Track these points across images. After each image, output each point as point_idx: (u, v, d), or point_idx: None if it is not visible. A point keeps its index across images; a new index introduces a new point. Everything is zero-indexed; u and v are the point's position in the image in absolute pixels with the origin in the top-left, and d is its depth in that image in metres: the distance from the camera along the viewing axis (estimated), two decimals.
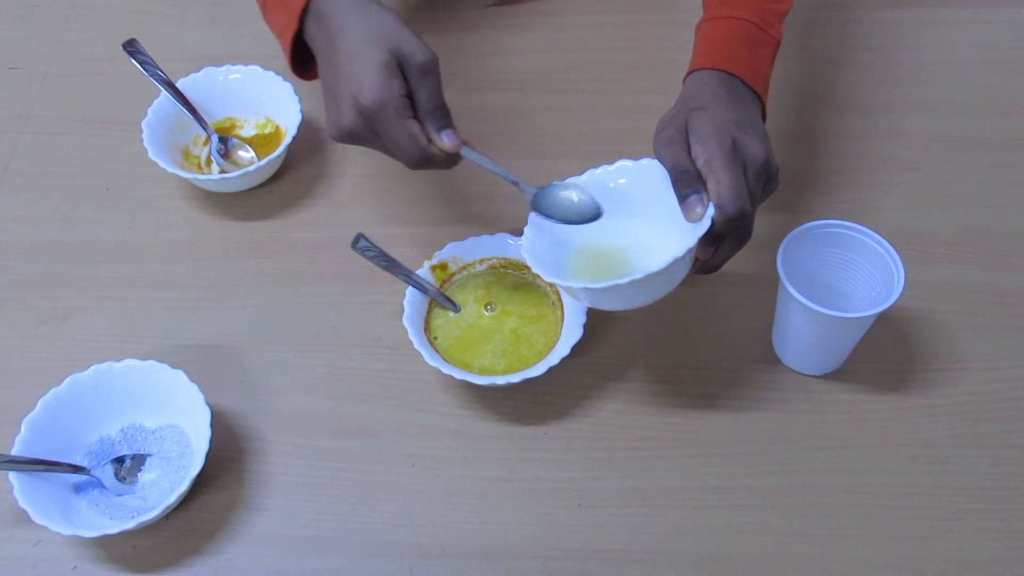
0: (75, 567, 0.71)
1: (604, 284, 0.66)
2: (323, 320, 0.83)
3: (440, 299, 0.80)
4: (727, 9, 0.80)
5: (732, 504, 0.72)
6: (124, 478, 0.74)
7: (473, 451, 0.75)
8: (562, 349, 0.75)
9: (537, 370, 0.74)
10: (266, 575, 0.70)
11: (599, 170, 0.75)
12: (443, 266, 0.82)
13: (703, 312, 0.82)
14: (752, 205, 0.69)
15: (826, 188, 0.90)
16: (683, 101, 0.75)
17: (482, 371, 0.76)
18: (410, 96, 0.70)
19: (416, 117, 0.70)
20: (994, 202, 0.89)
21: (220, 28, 1.08)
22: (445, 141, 0.71)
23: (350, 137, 0.71)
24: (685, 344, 0.80)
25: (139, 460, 0.75)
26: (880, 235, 0.73)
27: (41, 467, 0.70)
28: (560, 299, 0.80)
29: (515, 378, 0.73)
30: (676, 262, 0.66)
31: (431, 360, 0.75)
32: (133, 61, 0.91)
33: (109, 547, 0.71)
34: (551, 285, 0.81)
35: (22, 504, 0.68)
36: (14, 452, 0.71)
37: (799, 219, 0.75)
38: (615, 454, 0.75)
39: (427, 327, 0.79)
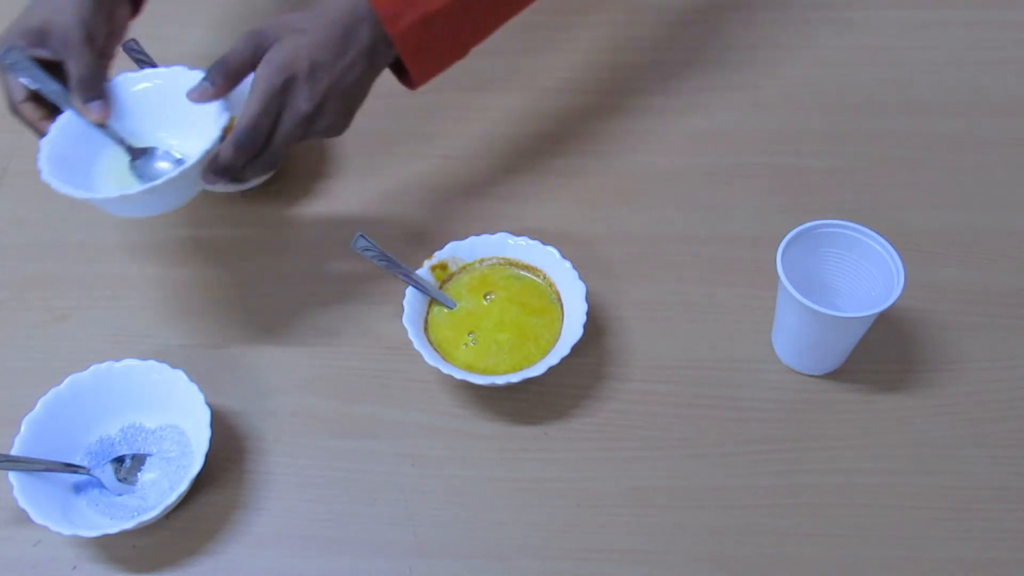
0: (75, 567, 0.71)
1: (114, 195, 0.69)
2: (323, 320, 0.83)
3: (440, 299, 0.80)
4: None
5: (732, 504, 0.72)
6: (124, 478, 0.74)
7: (473, 451, 0.75)
8: (562, 349, 0.75)
9: (537, 370, 0.74)
10: (266, 575, 0.70)
11: (122, 76, 0.79)
12: (443, 266, 0.82)
13: (703, 312, 0.82)
14: (271, 148, 0.71)
15: (826, 188, 0.90)
16: (303, 14, 0.72)
17: (486, 371, 0.76)
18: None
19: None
20: (994, 202, 0.89)
21: (220, 28, 1.08)
22: (92, 112, 0.74)
23: None
24: (685, 344, 0.80)
25: (139, 460, 0.75)
26: (880, 235, 0.73)
27: (41, 467, 0.71)
28: (560, 297, 0.80)
29: (515, 378, 0.74)
30: (184, 172, 0.70)
31: (431, 360, 0.75)
32: (133, 61, 0.91)
33: (109, 547, 0.71)
34: (551, 284, 0.81)
35: (22, 504, 0.68)
36: (14, 452, 0.71)
37: (799, 219, 0.75)
38: (615, 454, 0.75)
39: (427, 327, 0.79)
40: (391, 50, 0.73)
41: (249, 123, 0.70)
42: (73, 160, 0.76)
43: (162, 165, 0.78)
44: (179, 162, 0.78)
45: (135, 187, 0.70)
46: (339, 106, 0.73)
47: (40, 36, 0.74)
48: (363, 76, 0.73)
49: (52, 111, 0.77)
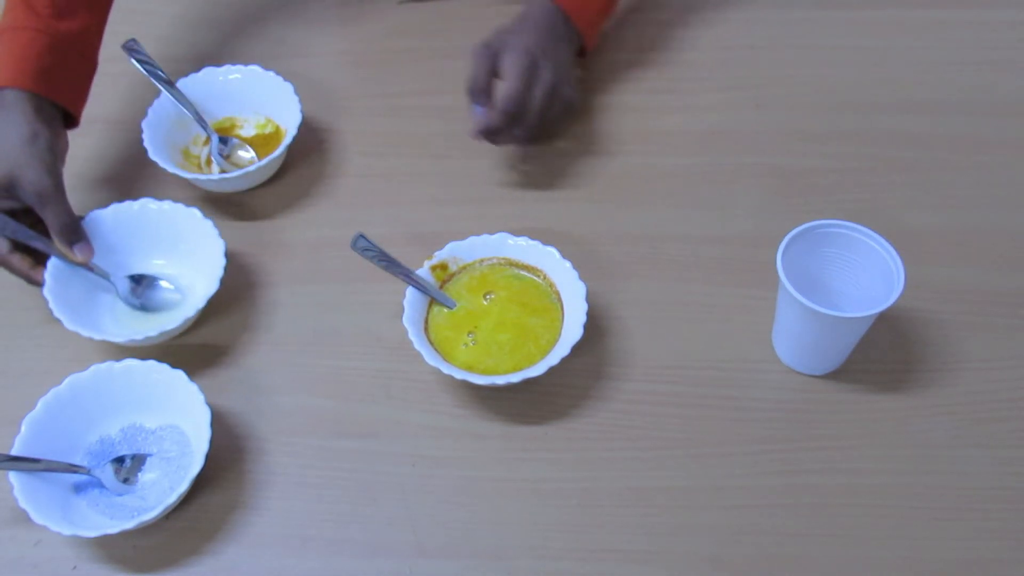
0: (75, 567, 0.71)
1: (155, 333, 0.77)
2: (323, 320, 0.83)
3: (440, 299, 0.80)
4: None
5: (732, 504, 0.72)
6: (124, 478, 0.74)
7: (473, 451, 0.75)
8: (562, 349, 0.75)
9: (537, 370, 0.74)
10: (266, 575, 0.70)
11: (123, 203, 0.85)
12: (443, 266, 0.82)
13: (703, 312, 0.82)
14: (532, 113, 0.87)
15: (826, 188, 0.90)
16: (511, 23, 0.92)
17: (486, 371, 0.76)
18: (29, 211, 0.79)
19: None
20: (994, 202, 0.89)
21: (220, 28, 1.08)
22: (77, 255, 0.80)
23: None
24: (685, 344, 0.80)
25: (139, 460, 0.75)
26: (880, 235, 0.73)
27: (41, 467, 0.71)
28: (560, 297, 0.80)
29: (515, 378, 0.74)
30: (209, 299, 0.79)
31: (431, 360, 0.75)
32: (133, 61, 0.91)
33: (109, 547, 0.71)
34: (551, 284, 0.81)
35: (22, 504, 0.68)
36: (14, 452, 0.71)
37: (799, 219, 0.75)
38: (615, 454, 0.75)
39: (427, 327, 0.79)
40: (578, 37, 0.93)
41: (513, 93, 0.86)
42: (76, 303, 0.80)
43: (165, 295, 0.84)
44: (155, 281, 0.85)
45: (171, 323, 0.78)
46: (569, 78, 0.91)
47: (6, 190, 0.78)
48: (570, 56, 0.93)
49: (38, 257, 0.81)
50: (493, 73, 0.88)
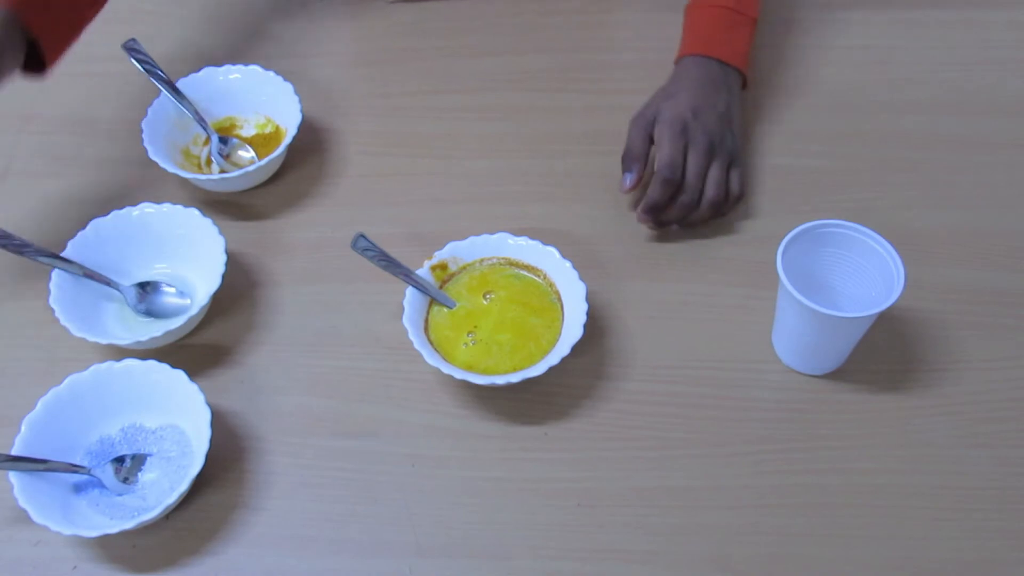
0: (75, 567, 0.71)
1: (160, 333, 0.77)
2: (323, 320, 0.83)
3: (440, 299, 0.80)
4: None
5: (732, 504, 0.72)
6: (124, 478, 0.74)
7: (473, 451, 0.75)
8: (562, 349, 0.75)
9: (537, 370, 0.74)
10: (266, 575, 0.70)
11: (123, 210, 0.85)
12: (443, 266, 0.82)
13: (703, 312, 0.82)
14: (688, 176, 0.84)
15: (826, 188, 0.90)
16: (665, 87, 0.90)
17: (486, 371, 0.76)
18: None
19: None
20: (994, 202, 0.89)
21: (220, 28, 1.08)
22: None
23: None
24: (685, 344, 0.80)
25: (139, 460, 0.75)
26: (880, 235, 0.73)
27: (41, 467, 0.71)
28: (560, 297, 0.80)
29: (515, 378, 0.74)
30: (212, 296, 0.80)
31: (431, 360, 0.75)
32: (133, 61, 0.91)
33: (109, 547, 0.71)
34: (551, 284, 0.81)
35: (22, 504, 0.68)
36: (14, 452, 0.71)
37: (799, 219, 0.75)
38: (615, 454, 0.75)
39: (427, 327, 0.79)
40: (738, 73, 0.91)
41: (667, 161, 0.83)
42: (83, 311, 0.80)
43: (171, 300, 0.84)
44: (161, 287, 0.84)
45: (176, 323, 0.79)
46: (726, 127, 0.87)
47: None
48: (731, 101, 0.89)
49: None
50: (649, 140, 0.86)
